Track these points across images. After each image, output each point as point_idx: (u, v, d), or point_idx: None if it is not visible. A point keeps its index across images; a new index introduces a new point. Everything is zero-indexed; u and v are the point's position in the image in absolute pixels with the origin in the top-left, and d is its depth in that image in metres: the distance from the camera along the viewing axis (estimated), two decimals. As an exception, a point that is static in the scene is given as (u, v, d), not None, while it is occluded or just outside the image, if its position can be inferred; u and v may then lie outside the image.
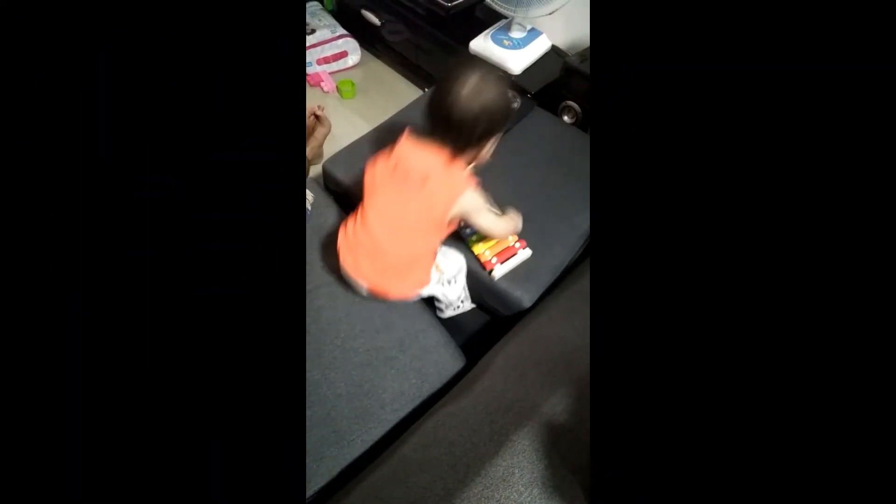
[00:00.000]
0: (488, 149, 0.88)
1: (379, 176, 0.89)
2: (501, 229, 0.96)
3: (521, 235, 1.04)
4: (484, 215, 0.90)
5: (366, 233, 0.88)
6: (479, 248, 1.02)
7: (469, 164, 0.88)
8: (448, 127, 0.81)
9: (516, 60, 1.48)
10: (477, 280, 1.03)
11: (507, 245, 1.02)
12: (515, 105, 0.87)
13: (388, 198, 0.87)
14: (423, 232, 0.88)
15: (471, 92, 0.79)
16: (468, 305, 1.09)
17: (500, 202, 1.04)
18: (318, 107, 1.06)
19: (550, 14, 1.40)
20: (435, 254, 0.96)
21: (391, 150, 0.89)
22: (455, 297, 1.03)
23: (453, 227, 0.94)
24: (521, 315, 1.02)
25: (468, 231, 1.03)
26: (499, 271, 0.99)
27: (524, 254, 1.02)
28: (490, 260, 1.00)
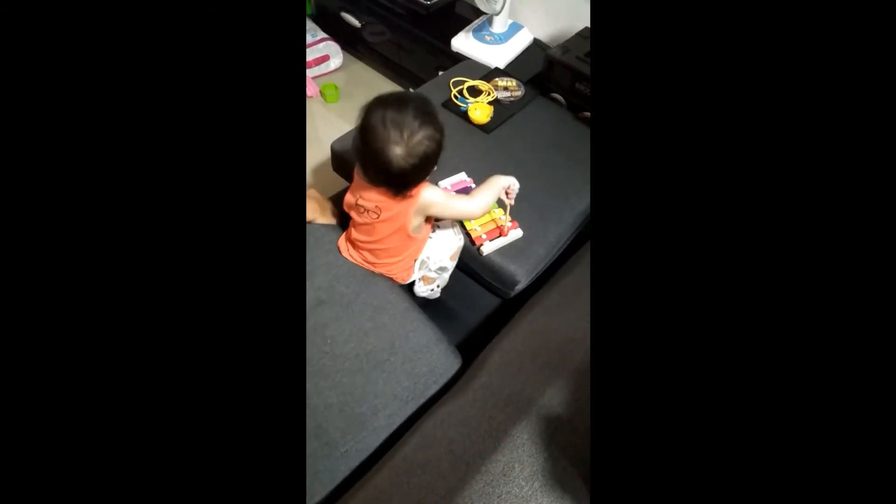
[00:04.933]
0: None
1: (348, 207, 0.98)
2: (476, 206, 0.94)
3: (519, 215, 1.05)
4: (451, 203, 0.91)
5: (356, 250, 1.01)
6: (470, 225, 1.05)
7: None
8: (383, 179, 0.83)
9: (499, 56, 1.48)
10: (471, 255, 1.06)
11: (499, 224, 1.04)
12: (438, 145, 0.83)
13: (359, 227, 0.97)
14: (398, 245, 0.97)
15: (403, 153, 0.78)
16: (437, 293, 1.15)
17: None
18: None
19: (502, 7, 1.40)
20: (416, 253, 1.02)
21: (353, 184, 0.96)
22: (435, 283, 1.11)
23: (426, 233, 1.00)
24: (518, 296, 1.04)
25: None
26: (487, 248, 1.02)
27: (515, 234, 1.04)
28: (480, 236, 1.03)
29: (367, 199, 0.91)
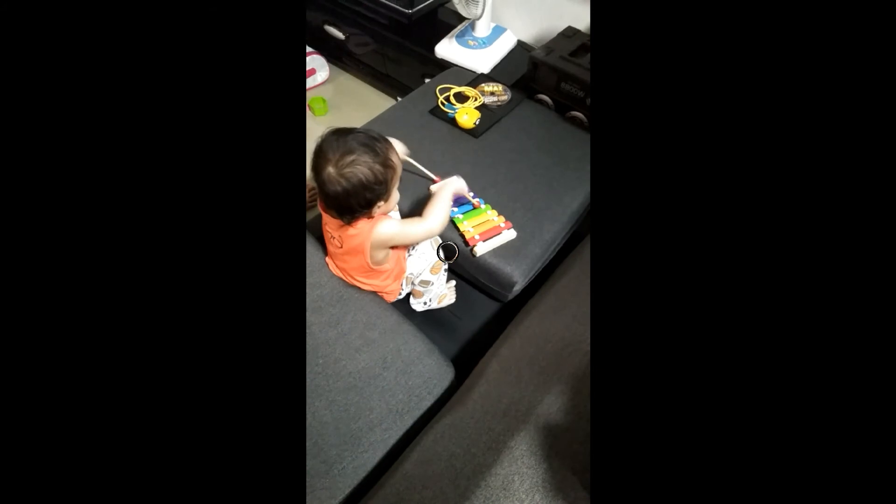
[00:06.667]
0: (384, 205, 0.87)
1: (324, 233, 1.00)
2: (433, 223, 0.93)
3: (512, 216, 1.05)
4: (408, 230, 0.90)
5: (342, 271, 1.02)
6: (464, 226, 1.04)
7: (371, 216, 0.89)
8: (329, 202, 0.84)
9: (483, 60, 1.47)
10: (466, 258, 1.05)
11: (492, 224, 1.04)
12: (389, 175, 0.82)
13: (335, 257, 1.00)
14: (367, 274, 0.98)
15: (334, 173, 0.79)
16: (435, 304, 1.14)
17: (492, 186, 1.12)
18: None
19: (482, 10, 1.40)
20: (398, 274, 1.03)
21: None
22: (429, 296, 1.10)
23: (395, 261, 1.01)
24: (516, 300, 1.03)
25: (455, 210, 1.05)
26: (481, 248, 1.02)
27: (508, 234, 1.04)
28: (474, 237, 1.02)
29: (331, 226, 0.92)
